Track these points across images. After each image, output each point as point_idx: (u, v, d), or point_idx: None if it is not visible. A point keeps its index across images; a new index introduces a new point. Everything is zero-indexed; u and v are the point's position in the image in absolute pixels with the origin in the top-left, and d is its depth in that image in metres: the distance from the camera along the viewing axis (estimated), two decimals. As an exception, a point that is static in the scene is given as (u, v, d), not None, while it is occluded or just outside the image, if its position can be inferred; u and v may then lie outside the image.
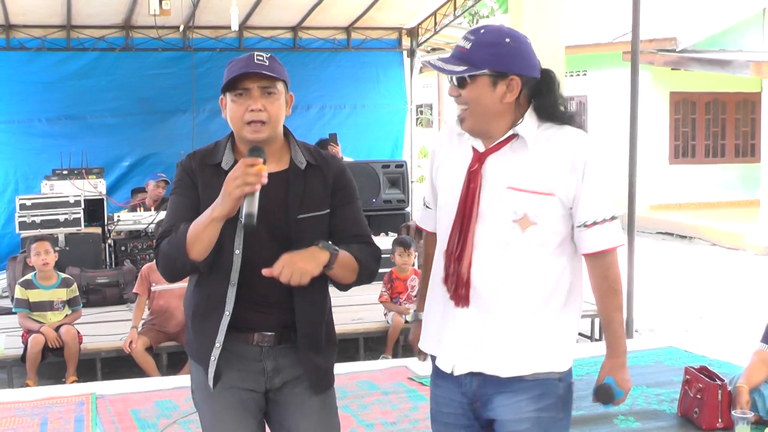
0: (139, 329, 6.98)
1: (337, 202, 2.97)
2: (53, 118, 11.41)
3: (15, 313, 7.15)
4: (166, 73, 11.69)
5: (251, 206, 2.64)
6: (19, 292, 7.04)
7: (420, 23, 12.77)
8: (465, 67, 2.72)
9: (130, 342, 6.84)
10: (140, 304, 7.07)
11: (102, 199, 9.81)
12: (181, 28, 11.35)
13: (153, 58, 11.63)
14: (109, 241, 9.62)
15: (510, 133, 2.76)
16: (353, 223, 2.99)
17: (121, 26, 11.40)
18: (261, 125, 2.82)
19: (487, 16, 27.37)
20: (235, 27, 10.39)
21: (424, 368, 5.84)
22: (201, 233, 2.72)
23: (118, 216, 9.86)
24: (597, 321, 8.03)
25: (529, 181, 2.73)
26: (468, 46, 2.74)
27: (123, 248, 9.48)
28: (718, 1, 17.78)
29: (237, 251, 2.85)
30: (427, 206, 3.10)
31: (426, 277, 3.09)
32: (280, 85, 2.88)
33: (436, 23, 12.52)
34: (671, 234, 16.03)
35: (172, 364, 7.13)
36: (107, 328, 7.63)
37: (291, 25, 12.19)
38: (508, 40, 2.73)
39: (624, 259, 7.94)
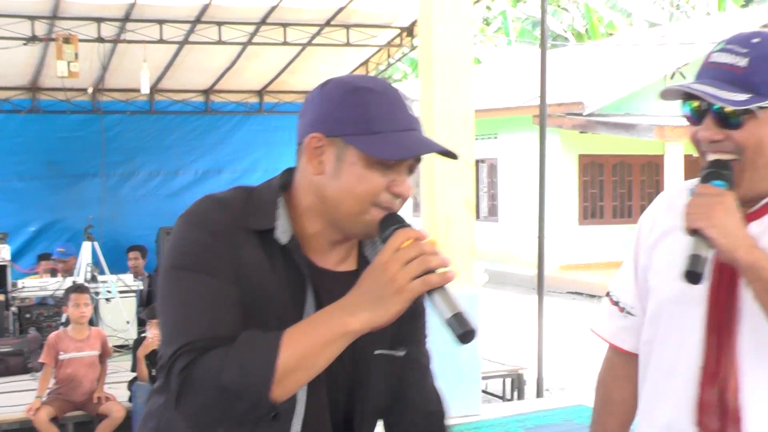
0: (44, 399, 6.77)
1: (411, 336, 1.89)
2: (-44, 181, 11.17)
3: None
4: (75, 137, 11.53)
5: (454, 306, 1.58)
6: None
7: (332, 87, 12.88)
8: (747, 96, 1.85)
9: (32, 409, 6.62)
10: (46, 373, 6.85)
11: (5, 266, 9.56)
12: (90, 90, 11.24)
13: (61, 120, 11.48)
14: (13, 308, 9.36)
15: None
16: (430, 387, 1.90)
17: (27, 88, 11.25)
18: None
19: (400, 80, 27.81)
20: (145, 90, 10.33)
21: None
22: (316, 355, 1.60)
23: (23, 282, 9.63)
24: (508, 381, 8.07)
25: None
26: (743, 63, 1.87)
27: (28, 315, 9.23)
28: (622, 67, 18.39)
29: (300, 392, 1.72)
30: (627, 312, 2.15)
31: (625, 418, 2.17)
32: None
33: (348, 87, 12.63)
34: (581, 293, 16.28)
35: (78, 435, 6.93)
36: (10, 399, 7.37)
37: (203, 88, 12.17)
38: None
39: (534, 318, 8.03)
